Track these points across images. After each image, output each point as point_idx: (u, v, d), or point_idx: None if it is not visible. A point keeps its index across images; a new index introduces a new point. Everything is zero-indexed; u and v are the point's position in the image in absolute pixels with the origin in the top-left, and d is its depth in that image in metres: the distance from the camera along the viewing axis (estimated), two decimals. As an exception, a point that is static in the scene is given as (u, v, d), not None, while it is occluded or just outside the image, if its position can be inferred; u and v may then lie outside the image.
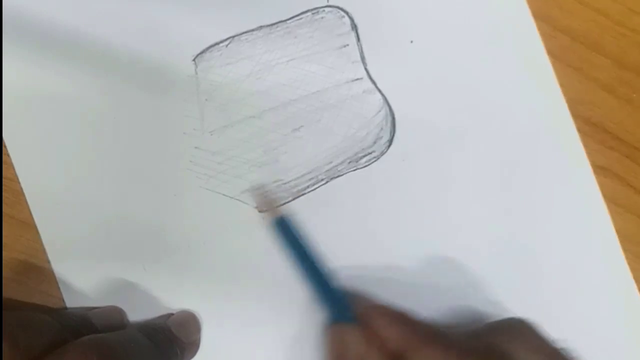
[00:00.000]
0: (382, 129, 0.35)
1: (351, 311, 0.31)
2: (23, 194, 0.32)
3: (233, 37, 0.34)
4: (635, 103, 0.37)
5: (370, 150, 0.35)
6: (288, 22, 0.35)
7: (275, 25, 0.34)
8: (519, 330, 0.30)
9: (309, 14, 0.35)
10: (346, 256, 0.34)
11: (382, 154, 0.35)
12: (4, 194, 0.32)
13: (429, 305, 0.33)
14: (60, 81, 0.33)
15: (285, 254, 0.33)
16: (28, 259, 0.32)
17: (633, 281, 0.36)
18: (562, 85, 0.36)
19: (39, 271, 0.32)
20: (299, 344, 0.33)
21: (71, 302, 0.32)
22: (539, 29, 0.36)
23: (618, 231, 0.36)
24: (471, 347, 0.28)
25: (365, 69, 0.35)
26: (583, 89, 0.37)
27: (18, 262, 0.32)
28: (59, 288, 0.32)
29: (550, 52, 0.36)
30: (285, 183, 0.34)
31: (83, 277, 0.32)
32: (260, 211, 0.33)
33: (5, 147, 0.33)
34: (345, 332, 0.30)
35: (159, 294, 0.33)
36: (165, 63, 0.34)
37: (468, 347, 0.28)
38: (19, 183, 0.32)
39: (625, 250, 0.36)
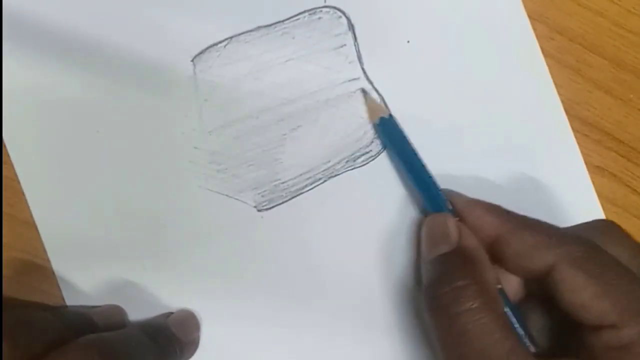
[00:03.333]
0: (379, 128, 0.35)
1: (448, 204, 0.32)
2: (23, 194, 0.32)
3: (231, 37, 0.34)
4: (632, 103, 0.37)
5: (367, 150, 0.35)
6: (285, 22, 0.35)
7: (273, 26, 0.35)
8: (606, 227, 0.31)
9: (306, 14, 0.35)
10: (343, 255, 0.34)
11: (379, 153, 0.35)
12: (4, 193, 0.33)
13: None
14: (59, 81, 0.33)
15: (389, 154, 0.35)
16: (29, 259, 0.32)
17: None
18: (559, 85, 0.36)
19: (40, 270, 0.32)
20: (298, 342, 0.33)
21: (72, 301, 0.32)
22: (537, 30, 0.36)
23: (615, 231, 0.36)
24: (562, 233, 0.30)
25: (362, 69, 0.35)
26: (580, 90, 0.37)
27: (19, 261, 0.32)
28: (59, 287, 0.32)
29: (548, 53, 0.36)
30: (283, 182, 0.34)
31: (83, 277, 0.32)
32: (259, 210, 0.34)
33: (4, 146, 0.33)
34: (444, 218, 0.31)
35: (159, 292, 0.33)
36: (164, 64, 0.34)
37: (559, 234, 0.29)
38: (19, 182, 0.33)
39: (621, 249, 0.36)
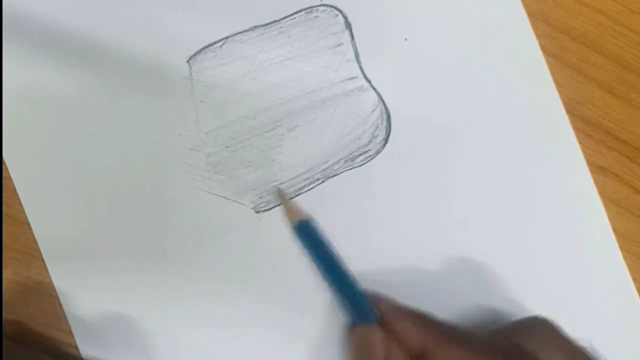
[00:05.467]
0: (377, 127, 0.35)
1: (373, 313, 0.31)
2: (20, 197, 0.32)
3: (227, 37, 0.34)
4: (635, 103, 0.37)
5: (365, 149, 0.35)
6: (282, 21, 0.35)
7: (269, 25, 0.34)
8: (540, 329, 0.30)
9: (302, 13, 0.35)
10: (343, 256, 0.34)
11: (378, 152, 0.35)
12: (3, 194, 0.33)
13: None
14: (55, 82, 0.33)
15: (307, 257, 0.33)
16: (27, 260, 0.32)
17: (631, 280, 0.36)
18: (561, 85, 0.36)
19: (38, 272, 0.32)
20: (297, 343, 0.33)
21: (68, 303, 0.32)
22: (539, 29, 0.36)
23: (618, 231, 0.36)
24: (492, 346, 0.29)
25: (360, 68, 0.35)
26: (582, 89, 0.37)
27: (17, 262, 0.32)
28: (55, 293, 0.32)
29: (550, 52, 0.36)
30: (281, 183, 0.34)
31: (80, 280, 0.32)
32: (257, 211, 0.33)
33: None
34: (369, 332, 0.30)
35: (156, 295, 0.33)
36: (160, 65, 0.34)
37: (489, 346, 0.29)
38: (15, 186, 0.32)
39: (623, 250, 0.36)
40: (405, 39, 0.36)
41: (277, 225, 0.34)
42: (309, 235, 0.33)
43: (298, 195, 0.34)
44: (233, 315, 0.33)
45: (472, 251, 0.34)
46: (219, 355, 0.33)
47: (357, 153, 0.35)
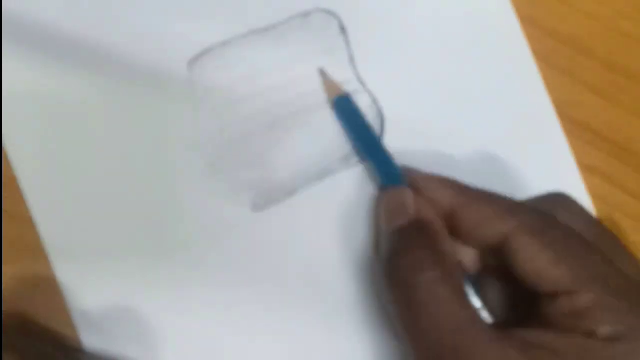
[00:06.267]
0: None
1: (404, 179, 0.32)
2: (23, 193, 0.33)
3: (226, 41, 0.35)
4: (624, 104, 0.37)
5: (361, 150, 0.35)
6: (279, 26, 0.35)
7: (267, 30, 0.35)
8: (561, 199, 0.31)
9: (298, 18, 0.35)
10: (339, 254, 0.34)
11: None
12: (4, 193, 0.33)
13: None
14: (58, 84, 0.34)
15: (345, 131, 0.35)
16: (32, 256, 0.33)
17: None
18: (551, 87, 0.37)
19: (40, 270, 0.32)
20: (296, 342, 0.34)
21: (72, 298, 0.32)
22: (528, 32, 0.37)
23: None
24: (522, 205, 0.30)
25: (354, 71, 0.36)
26: (572, 91, 0.37)
27: (22, 258, 0.33)
28: (59, 287, 0.32)
29: (540, 56, 0.37)
30: (278, 183, 0.34)
31: (83, 277, 0.32)
32: (256, 211, 0.34)
33: (4, 146, 0.33)
34: (401, 192, 0.31)
35: (155, 293, 0.33)
36: (160, 68, 0.34)
37: (518, 206, 0.30)
38: (18, 182, 0.33)
39: (613, 249, 0.36)
40: (399, 43, 0.36)
41: (277, 225, 0.34)
42: (346, 109, 0.35)
43: (295, 195, 0.34)
44: (233, 313, 0.33)
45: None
46: (221, 352, 0.33)
47: (352, 153, 0.35)
